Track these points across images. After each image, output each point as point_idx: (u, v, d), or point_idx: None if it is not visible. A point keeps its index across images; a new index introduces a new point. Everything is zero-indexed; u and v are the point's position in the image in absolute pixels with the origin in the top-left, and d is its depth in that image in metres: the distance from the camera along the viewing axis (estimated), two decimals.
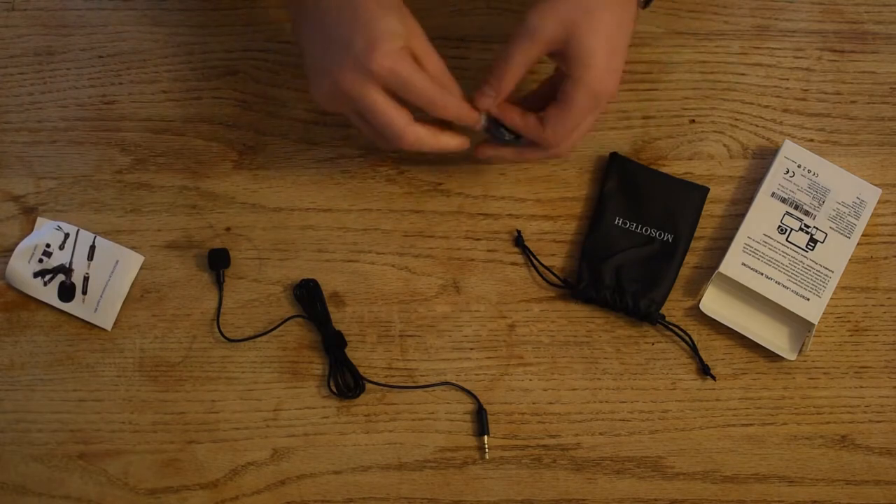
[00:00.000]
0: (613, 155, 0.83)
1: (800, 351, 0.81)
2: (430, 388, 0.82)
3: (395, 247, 0.83)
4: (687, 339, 0.81)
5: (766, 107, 0.85)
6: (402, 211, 0.84)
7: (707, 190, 0.82)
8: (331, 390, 0.81)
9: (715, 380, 0.81)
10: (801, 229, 0.81)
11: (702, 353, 0.82)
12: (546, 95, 0.75)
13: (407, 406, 0.81)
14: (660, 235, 0.81)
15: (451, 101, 0.70)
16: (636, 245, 0.81)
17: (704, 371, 0.81)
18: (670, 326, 0.81)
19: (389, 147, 0.74)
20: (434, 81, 0.69)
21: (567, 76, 0.71)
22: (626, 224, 0.82)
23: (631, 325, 0.82)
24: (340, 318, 0.82)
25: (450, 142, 0.74)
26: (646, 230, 0.81)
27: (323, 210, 0.84)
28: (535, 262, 0.82)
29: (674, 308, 0.82)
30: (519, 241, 0.83)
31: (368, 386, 0.81)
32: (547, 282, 0.82)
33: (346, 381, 0.81)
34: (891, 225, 0.84)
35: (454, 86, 0.72)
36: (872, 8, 0.86)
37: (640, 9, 0.74)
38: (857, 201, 0.82)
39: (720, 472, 0.81)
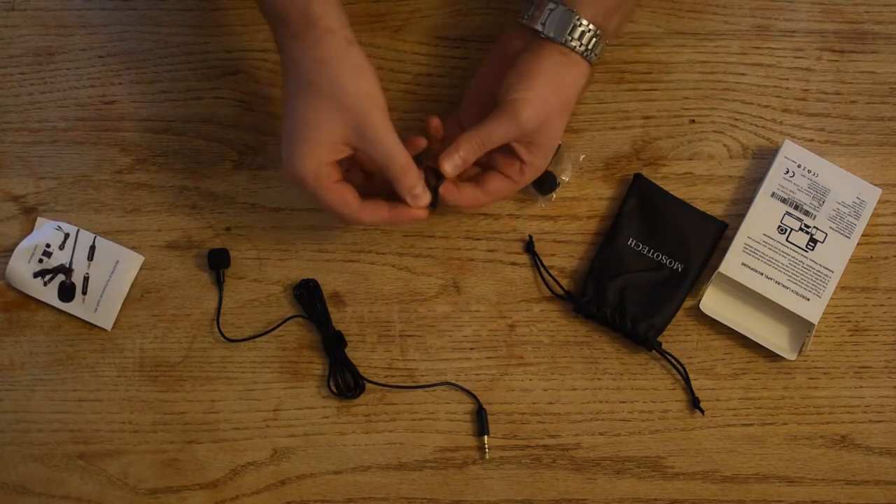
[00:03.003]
0: (637, 176, 0.83)
1: (800, 351, 0.81)
2: (430, 388, 0.82)
3: (395, 247, 0.83)
4: (680, 368, 0.81)
5: (766, 107, 0.85)
6: None
7: (726, 225, 0.82)
8: (331, 390, 0.81)
9: (703, 413, 0.81)
10: (801, 229, 0.81)
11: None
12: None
13: (407, 406, 0.81)
14: (670, 263, 0.81)
15: (361, 217, 0.73)
16: (645, 269, 0.81)
17: (694, 404, 0.81)
18: (666, 355, 0.81)
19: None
20: (341, 201, 0.72)
21: (522, 159, 0.74)
22: (638, 246, 0.81)
23: None
24: (340, 318, 0.82)
25: (392, 219, 0.74)
26: (657, 255, 0.81)
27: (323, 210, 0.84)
28: (542, 270, 0.82)
29: None
30: (529, 246, 0.83)
31: (368, 386, 0.81)
32: (551, 291, 0.82)
33: (346, 381, 0.81)
34: (891, 225, 0.84)
35: (402, 162, 0.71)
36: (872, 8, 0.86)
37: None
38: (857, 201, 0.82)
39: (720, 472, 0.81)
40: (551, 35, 0.72)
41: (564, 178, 0.83)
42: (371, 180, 0.77)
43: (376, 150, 0.70)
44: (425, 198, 0.73)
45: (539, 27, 0.73)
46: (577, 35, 0.72)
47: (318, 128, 0.69)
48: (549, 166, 0.82)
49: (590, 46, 0.73)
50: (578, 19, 0.72)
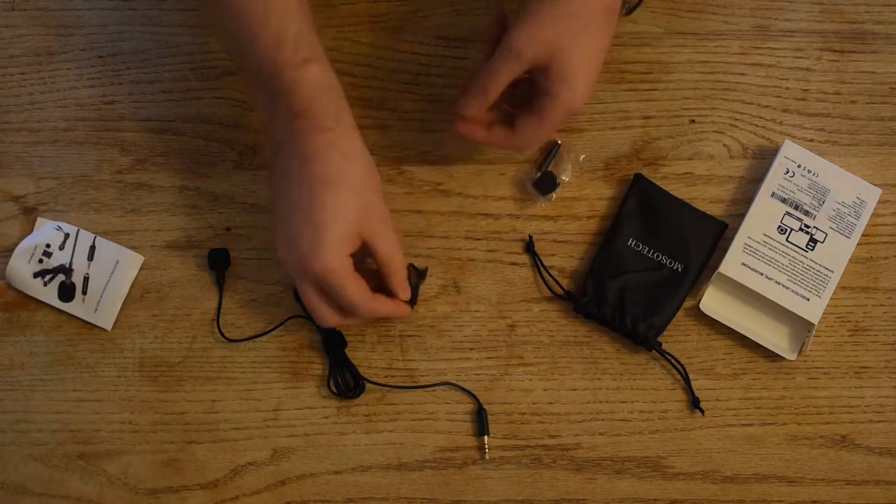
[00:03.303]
0: (637, 176, 0.83)
1: (800, 351, 0.81)
2: (430, 388, 0.82)
3: None
4: (680, 369, 0.81)
5: (766, 107, 0.85)
6: (402, 211, 0.84)
7: (726, 225, 0.82)
8: (331, 390, 0.81)
9: (703, 413, 0.81)
10: (801, 229, 0.81)
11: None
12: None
13: (407, 406, 0.81)
14: (670, 263, 0.81)
15: (375, 307, 0.74)
16: (645, 269, 0.81)
17: (694, 404, 0.81)
18: (666, 355, 0.81)
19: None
20: (361, 291, 0.72)
21: (545, 91, 0.72)
22: (638, 246, 0.81)
23: None
24: None
25: (394, 311, 0.77)
26: (657, 256, 0.81)
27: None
28: (542, 270, 0.82)
29: None
30: (530, 246, 0.83)
31: (368, 386, 0.81)
32: (551, 291, 0.82)
33: (346, 381, 0.81)
34: (891, 225, 0.84)
35: (399, 265, 0.74)
36: (872, 8, 0.86)
37: (623, 16, 0.74)
38: (857, 201, 0.82)
39: (720, 472, 0.81)
40: None
41: (564, 178, 0.83)
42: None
43: (383, 248, 0.73)
44: (408, 293, 0.77)
45: None
46: None
47: (346, 221, 0.70)
48: (549, 167, 0.82)
49: None
50: None
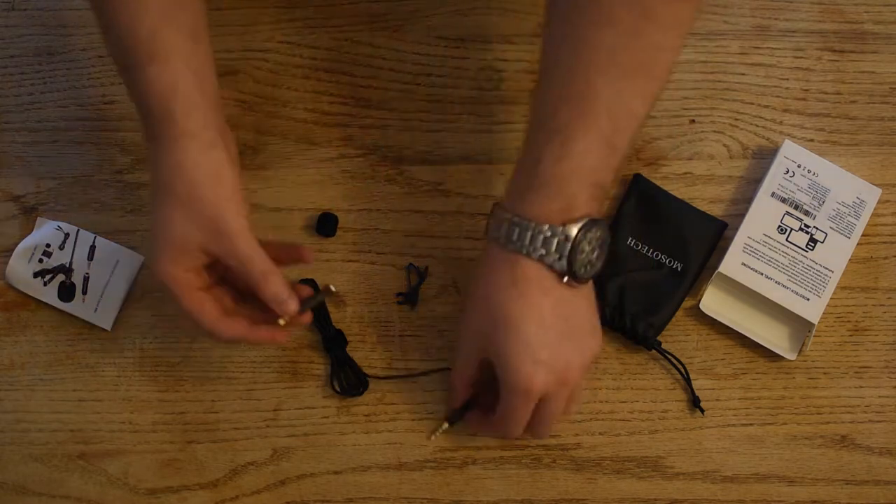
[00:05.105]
0: (637, 176, 0.83)
1: (800, 351, 0.81)
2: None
3: (395, 247, 0.83)
4: (681, 368, 0.81)
5: (766, 107, 0.85)
6: (402, 211, 0.84)
7: (725, 225, 0.82)
8: (334, 389, 0.81)
9: (703, 413, 0.81)
10: (801, 229, 0.81)
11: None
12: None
13: (407, 406, 0.81)
14: (670, 262, 0.81)
15: (219, 328, 0.69)
16: (644, 268, 0.81)
17: (694, 403, 0.81)
18: (666, 354, 0.81)
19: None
20: (198, 306, 0.69)
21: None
22: (637, 246, 0.81)
23: None
24: (340, 318, 0.82)
25: (247, 336, 0.71)
26: (657, 255, 0.81)
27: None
28: None
29: None
30: None
31: (369, 386, 0.81)
32: None
33: (349, 379, 0.81)
34: (891, 225, 0.84)
35: (262, 268, 0.69)
36: (872, 8, 0.86)
37: (579, 284, 0.70)
38: (857, 201, 0.82)
39: (720, 472, 0.81)
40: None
41: None
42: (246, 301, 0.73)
43: (234, 257, 0.68)
44: (292, 304, 0.70)
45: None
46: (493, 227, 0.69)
47: (174, 233, 0.67)
48: None
49: (513, 238, 0.67)
50: (498, 208, 0.69)
